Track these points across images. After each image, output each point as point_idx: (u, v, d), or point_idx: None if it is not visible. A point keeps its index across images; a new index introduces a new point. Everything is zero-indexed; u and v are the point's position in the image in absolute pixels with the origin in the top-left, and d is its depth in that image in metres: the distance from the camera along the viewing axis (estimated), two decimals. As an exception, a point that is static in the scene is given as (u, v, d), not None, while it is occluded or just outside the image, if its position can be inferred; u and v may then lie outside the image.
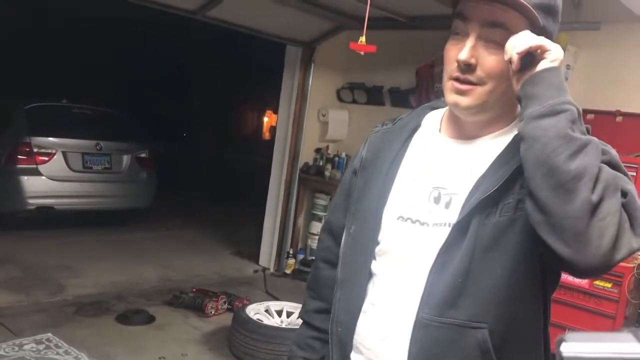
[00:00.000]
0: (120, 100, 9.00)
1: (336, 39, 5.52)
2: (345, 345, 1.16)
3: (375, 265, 1.15)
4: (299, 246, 5.94)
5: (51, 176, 6.07)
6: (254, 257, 6.07)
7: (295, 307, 4.09)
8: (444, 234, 1.06)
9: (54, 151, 6.14)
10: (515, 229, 1.01)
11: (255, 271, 5.85)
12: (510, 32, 1.02)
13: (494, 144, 1.10)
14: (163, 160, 7.56)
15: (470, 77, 1.05)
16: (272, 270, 5.87)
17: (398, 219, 1.12)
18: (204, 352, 3.78)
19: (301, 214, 5.92)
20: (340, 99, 5.94)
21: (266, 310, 4.00)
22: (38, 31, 10.31)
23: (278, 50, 5.91)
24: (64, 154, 6.19)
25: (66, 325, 3.93)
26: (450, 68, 1.07)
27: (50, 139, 6.18)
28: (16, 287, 4.56)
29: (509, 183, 1.02)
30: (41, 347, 3.53)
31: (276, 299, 4.70)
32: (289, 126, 5.81)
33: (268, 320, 3.84)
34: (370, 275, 1.15)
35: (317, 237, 5.86)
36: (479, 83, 1.05)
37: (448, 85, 1.08)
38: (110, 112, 7.18)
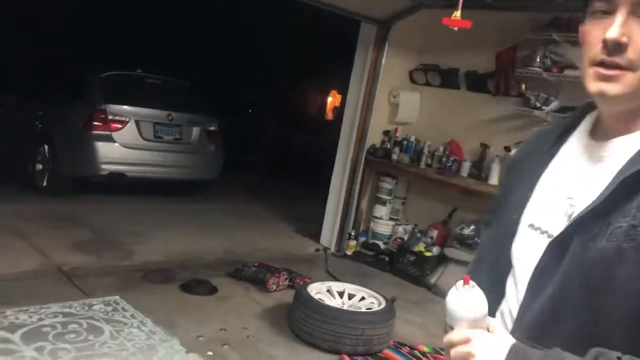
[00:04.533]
0: (191, 73, 9.11)
1: (413, 18, 5.36)
2: None
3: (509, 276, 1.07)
4: (361, 228, 5.87)
5: (124, 144, 6.24)
6: (316, 236, 6.06)
7: (357, 290, 4.04)
8: None
9: (127, 119, 6.29)
10: (624, 262, 0.84)
11: (317, 250, 5.84)
12: None
13: (630, 145, 0.93)
14: (230, 135, 7.62)
15: (619, 60, 0.88)
16: (332, 250, 5.84)
17: (529, 226, 1.03)
18: (264, 328, 3.79)
19: (365, 196, 5.84)
20: (412, 81, 5.78)
21: (328, 291, 3.96)
22: (113, 3, 10.60)
23: (345, 28, 5.78)
24: (137, 122, 6.34)
25: (133, 289, 4.05)
26: (593, 52, 0.91)
27: (125, 107, 6.32)
28: (88, 249, 4.74)
29: (621, 200, 0.87)
30: (109, 308, 3.64)
31: (336, 279, 4.67)
32: (358, 106, 5.71)
33: (330, 301, 3.79)
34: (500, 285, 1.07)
35: (380, 220, 5.77)
36: (630, 67, 0.88)
37: (590, 72, 0.92)
38: (182, 84, 7.28)
